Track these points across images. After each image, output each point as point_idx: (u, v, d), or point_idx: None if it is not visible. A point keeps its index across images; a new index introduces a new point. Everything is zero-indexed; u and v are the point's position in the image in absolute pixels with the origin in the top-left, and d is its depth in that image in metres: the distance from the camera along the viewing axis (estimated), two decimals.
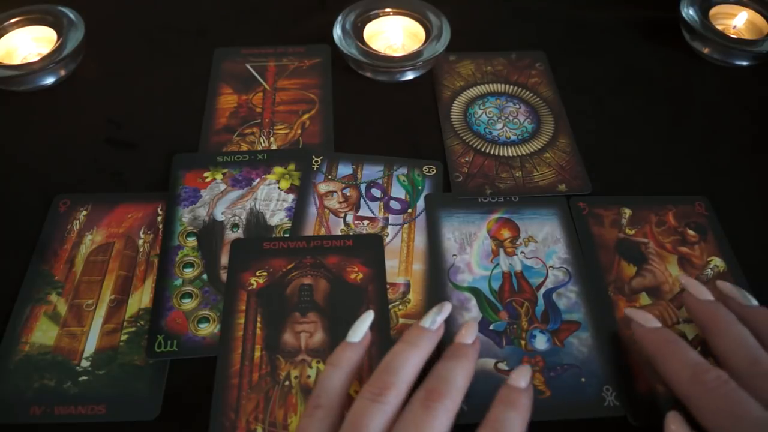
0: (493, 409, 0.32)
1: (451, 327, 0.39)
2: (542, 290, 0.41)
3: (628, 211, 0.45)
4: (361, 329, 0.35)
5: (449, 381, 0.32)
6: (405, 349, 0.33)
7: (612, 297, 0.41)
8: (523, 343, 0.39)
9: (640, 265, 0.42)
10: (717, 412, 0.30)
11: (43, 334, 0.39)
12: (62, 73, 0.53)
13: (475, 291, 0.41)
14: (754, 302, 0.36)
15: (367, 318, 0.36)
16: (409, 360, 0.33)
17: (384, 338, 0.38)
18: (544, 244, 0.43)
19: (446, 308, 0.37)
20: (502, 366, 0.38)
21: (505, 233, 0.44)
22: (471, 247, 0.43)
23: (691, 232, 0.44)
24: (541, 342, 0.39)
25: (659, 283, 0.42)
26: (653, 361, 0.35)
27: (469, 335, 0.36)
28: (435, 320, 0.35)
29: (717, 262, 0.43)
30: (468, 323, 0.37)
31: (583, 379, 0.37)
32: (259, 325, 0.39)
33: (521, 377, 0.33)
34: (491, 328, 0.39)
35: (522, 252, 0.43)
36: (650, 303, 0.41)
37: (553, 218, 0.45)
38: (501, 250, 0.43)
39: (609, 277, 0.42)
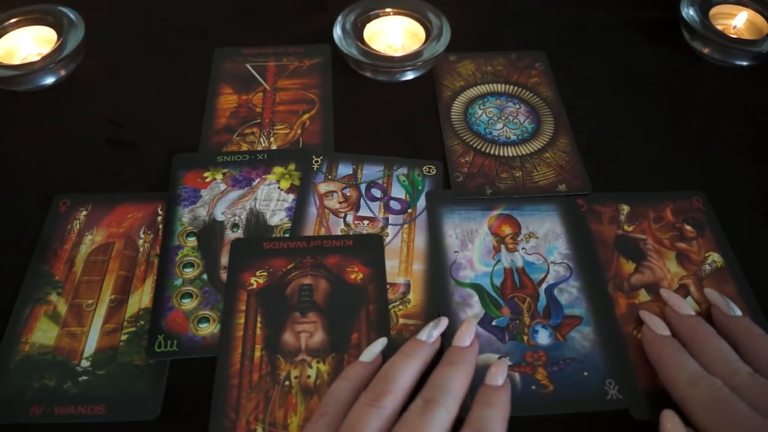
0: (473, 410, 0.33)
1: (452, 323, 0.39)
2: (544, 286, 0.41)
3: (626, 208, 0.45)
4: (373, 351, 0.37)
5: (445, 389, 0.33)
6: (401, 359, 0.35)
7: (611, 294, 0.41)
8: (525, 338, 0.39)
9: (639, 262, 0.42)
10: (708, 411, 0.32)
11: (43, 334, 0.39)
12: (62, 73, 0.53)
13: (477, 287, 0.41)
14: (738, 312, 0.38)
15: (380, 343, 0.37)
16: (406, 369, 0.34)
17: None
18: (545, 240, 0.43)
19: (442, 323, 0.38)
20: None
21: (506, 229, 0.44)
22: (472, 243, 0.43)
23: (688, 227, 0.44)
24: (543, 337, 0.39)
25: (658, 280, 0.42)
26: (656, 366, 0.36)
27: (467, 337, 0.37)
28: (431, 334, 0.37)
29: (715, 258, 0.43)
30: (466, 321, 0.38)
31: (585, 373, 0.37)
32: (259, 325, 0.39)
33: (497, 375, 0.35)
34: (494, 323, 0.39)
35: (523, 248, 0.43)
36: (649, 300, 0.41)
37: (554, 214, 0.45)
38: (502, 247, 0.43)
39: (608, 274, 0.42)
